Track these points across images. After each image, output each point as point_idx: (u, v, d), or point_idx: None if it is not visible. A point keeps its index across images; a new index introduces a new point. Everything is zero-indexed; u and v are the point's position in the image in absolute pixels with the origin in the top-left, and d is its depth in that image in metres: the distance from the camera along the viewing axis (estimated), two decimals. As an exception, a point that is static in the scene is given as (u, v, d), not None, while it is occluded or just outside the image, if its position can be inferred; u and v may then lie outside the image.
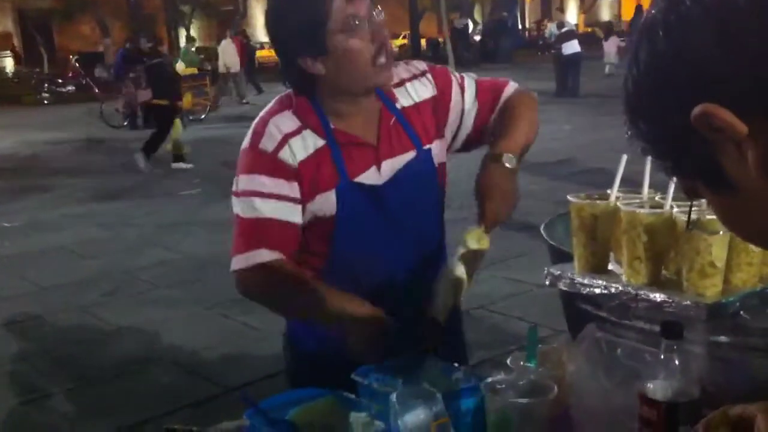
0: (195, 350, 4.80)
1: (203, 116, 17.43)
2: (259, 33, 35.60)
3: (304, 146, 1.85)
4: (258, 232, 1.86)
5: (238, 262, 1.87)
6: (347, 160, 1.87)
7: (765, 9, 0.56)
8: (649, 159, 1.57)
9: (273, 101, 1.95)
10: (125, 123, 16.66)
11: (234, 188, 1.89)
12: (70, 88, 24.76)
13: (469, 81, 2.05)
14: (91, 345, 5.02)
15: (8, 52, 32.44)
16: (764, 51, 0.56)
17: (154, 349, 4.87)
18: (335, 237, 1.91)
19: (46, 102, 23.79)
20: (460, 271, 1.78)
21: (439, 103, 1.99)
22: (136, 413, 4.10)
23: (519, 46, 32.38)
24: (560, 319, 2.56)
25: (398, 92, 1.95)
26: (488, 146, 1.93)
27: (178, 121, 11.53)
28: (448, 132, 2.02)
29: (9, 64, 31.94)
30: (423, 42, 32.69)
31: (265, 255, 1.85)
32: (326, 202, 1.86)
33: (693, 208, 1.44)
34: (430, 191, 2.00)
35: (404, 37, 32.49)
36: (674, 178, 0.70)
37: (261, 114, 1.93)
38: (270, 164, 1.84)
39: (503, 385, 1.53)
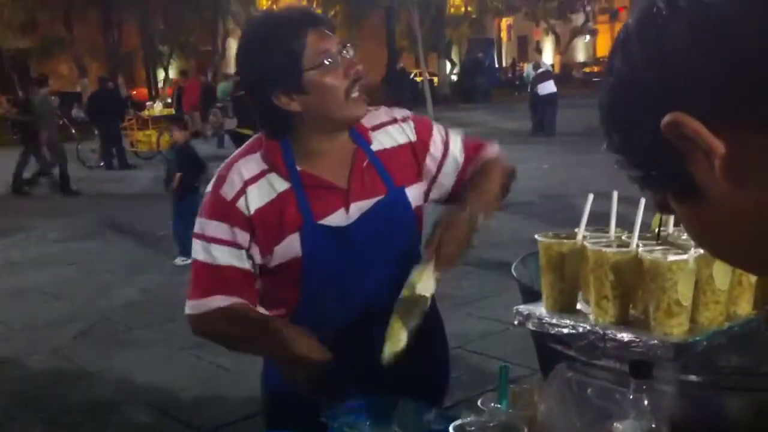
0: (168, 391, 4.73)
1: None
2: (238, 73, 35.77)
3: (264, 192, 1.86)
4: (213, 278, 1.89)
5: (193, 307, 1.92)
6: (313, 202, 1.87)
7: (736, 23, 0.57)
8: (615, 198, 1.59)
9: (242, 146, 1.96)
10: (101, 164, 16.62)
11: (195, 229, 1.91)
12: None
13: (455, 136, 2.07)
14: (63, 387, 4.94)
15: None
16: (735, 62, 0.57)
17: (126, 391, 4.79)
18: (304, 279, 1.91)
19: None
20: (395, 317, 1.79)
21: (418, 150, 1.99)
22: (107, 457, 4.04)
23: (496, 86, 32.76)
24: (536, 358, 2.55)
25: (376, 135, 1.96)
26: (466, 193, 1.94)
27: None
28: (426, 179, 2.02)
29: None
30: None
31: (219, 301, 1.88)
32: (292, 245, 1.86)
33: (659, 248, 1.46)
34: (404, 229, 1.99)
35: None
36: (646, 191, 0.70)
37: (229, 158, 1.95)
38: (228, 212, 1.86)
39: (473, 427, 1.51)
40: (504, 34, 45.72)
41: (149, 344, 5.61)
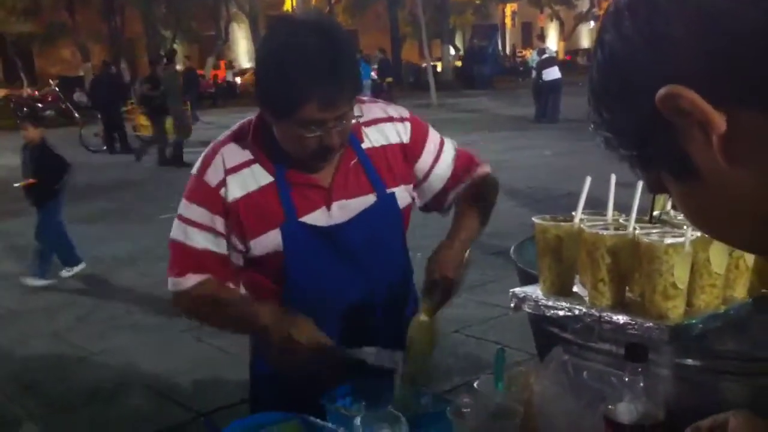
0: (168, 375, 4.75)
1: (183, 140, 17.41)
2: (242, 59, 35.75)
3: (247, 182, 1.85)
4: (188, 258, 1.90)
5: (172, 284, 1.94)
6: (296, 199, 1.86)
7: None
8: (613, 181, 1.58)
9: (233, 126, 1.94)
10: (104, 147, 16.63)
11: (178, 210, 1.92)
12: (50, 112, 24.65)
13: (449, 145, 2.07)
14: (63, 371, 4.96)
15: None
16: (734, 32, 0.55)
17: (126, 374, 4.81)
18: (286, 275, 1.90)
19: (24, 126, 23.64)
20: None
21: (409, 153, 1.98)
22: (108, 439, 4.06)
23: (499, 73, 32.67)
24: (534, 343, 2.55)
25: (367, 131, 1.94)
26: (451, 227, 2.00)
27: None
28: (413, 183, 2.02)
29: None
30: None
31: (195, 279, 1.90)
32: (272, 240, 1.86)
33: (656, 230, 1.46)
34: (394, 233, 1.99)
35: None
36: (638, 171, 0.67)
37: (215, 140, 1.93)
38: (209, 197, 1.85)
39: (469, 409, 1.51)
40: (508, 20, 45.52)
41: (149, 328, 5.62)
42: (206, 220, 1.86)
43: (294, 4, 31.81)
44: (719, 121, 0.57)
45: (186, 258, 1.90)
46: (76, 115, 19.60)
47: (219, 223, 1.86)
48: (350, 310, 1.93)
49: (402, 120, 1.99)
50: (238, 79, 32.08)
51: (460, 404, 1.53)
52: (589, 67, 0.67)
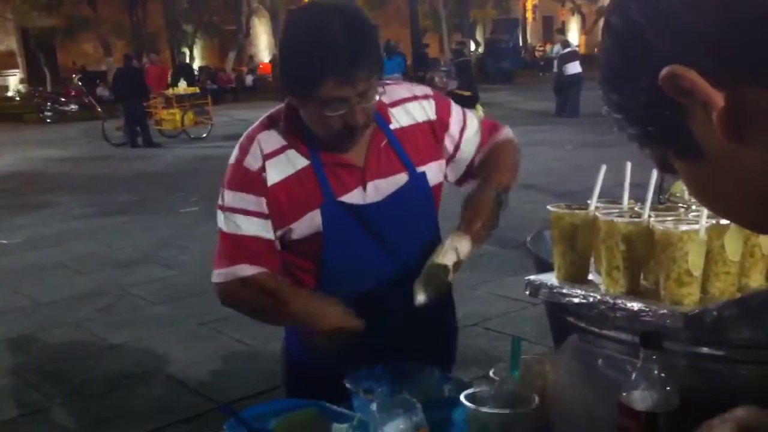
0: (188, 365, 4.79)
1: (205, 135, 17.53)
2: (262, 53, 35.83)
3: (284, 167, 1.89)
4: (240, 248, 1.91)
5: (219, 276, 1.95)
6: (332, 180, 1.90)
7: None
8: (629, 169, 1.59)
9: (264, 116, 1.98)
10: (126, 142, 16.75)
11: (219, 202, 1.94)
12: (73, 106, 24.88)
13: (472, 117, 2.11)
14: (85, 360, 5.02)
15: (13, 70, 32.61)
16: (732, 13, 0.56)
17: (147, 364, 4.86)
18: (324, 255, 1.94)
19: (48, 120, 23.88)
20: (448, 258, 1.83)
21: (437, 129, 2.01)
22: (128, 428, 4.10)
23: (519, 67, 32.53)
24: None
25: (394, 112, 1.97)
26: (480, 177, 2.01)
27: (479, 105, 14.09)
28: (444, 158, 2.05)
29: (12, 82, 32.09)
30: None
31: (245, 269, 1.92)
32: (312, 221, 1.89)
33: (671, 218, 1.46)
34: (425, 212, 2.03)
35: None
36: (647, 150, 0.69)
37: (249, 129, 1.96)
38: (253, 182, 1.88)
39: (484, 396, 1.53)
40: (529, 14, 45.27)
41: (170, 319, 5.67)
42: (253, 205, 1.89)
43: (314, -2, 31.79)
44: (718, 100, 0.58)
45: (235, 247, 1.92)
46: (99, 109, 19.73)
47: (265, 206, 1.89)
48: (382, 288, 1.96)
49: (426, 97, 2.03)
50: (249, 77, 32.05)
51: (475, 391, 1.55)
52: (599, 50, 0.69)
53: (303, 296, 1.93)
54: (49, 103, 25.00)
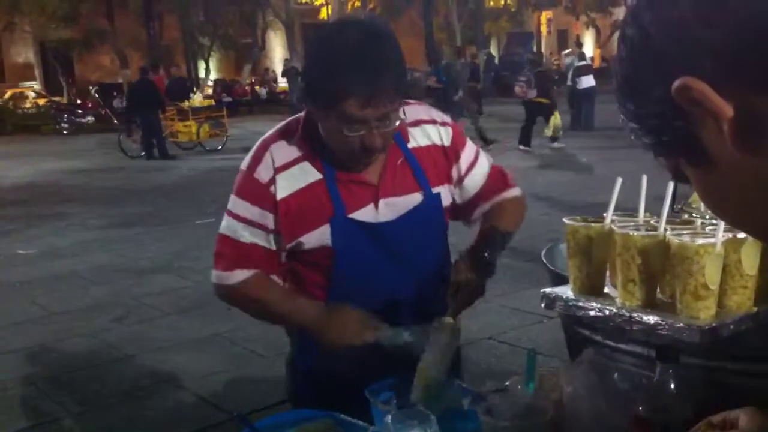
0: (202, 376, 4.79)
1: (220, 147, 17.61)
2: (277, 66, 35.96)
3: (296, 179, 1.89)
4: (237, 253, 1.94)
5: (217, 277, 1.99)
6: (345, 195, 1.89)
7: None
8: (645, 182, 1.58)
9: (280, 124, 1.98)
10: (142, 153, 16.87)
11: (228, 205, 1.96)
12: (89, 118, 25.07)
13: (484, 160, 2.11)
14: (99, 370, 5.03)
15: (31, 83, 32.91)
16: (740, 24, 0.57)
17: (161, 375, 4.86)
18: (334, 270, 1.94)
19: (65, 132, 24.06)
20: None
21: (450, 156, 2.02)
22: (141, 438, 4.11)
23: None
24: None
25: (412, 131, 1.97)
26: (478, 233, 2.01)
27: (557, 113, 15.48)
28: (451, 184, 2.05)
29: (30, 94, 32.37)
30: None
31: (242, 275, 1.95)
32: (322, 235, 1.89)
33: (687, 231, 1.46)
34: (437, 232, 2.03)
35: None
36: (660, 158, 0.70)
37: (264, 137, 1.96)
38: (261, 195, 1.89)
39: (500, 408, 1.52)
40: (543, 28, 45.30)
41: (184, 329, 5.68)
42: (256, 216, 1.90)
43: (330, 11, 31.98)
44: (727, 111, 0.59)
45: (234, 252, 1.94)
46: (115, 121, 19.87)
47: (269, 220, 1.90)
48: (393, 306, 1.96)
49: (444, 124, 2.04)
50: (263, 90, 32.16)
51: (491, 404, 1.55)
52: (614, 60, 0.70)
53: (308, 307, 1.96)
54: (65, 115, 25.19)
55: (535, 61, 16.98)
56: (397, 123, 1.81)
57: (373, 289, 1.95)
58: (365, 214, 1.91)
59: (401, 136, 1.94)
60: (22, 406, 4.53)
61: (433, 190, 1.97)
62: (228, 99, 27.37)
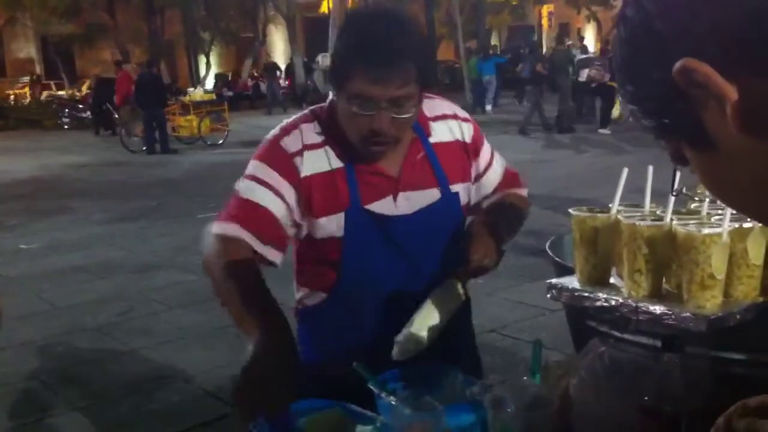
0: (207, 370, 4.81)
1: (221, 141, 17.61)
2: (279, 60, 35.94)
3: (319, 162, 1.86)
4: (247, 212, 1.84)
5: (216, 227, 1.86)
6: (362, 186, 1.87)
7: None
8: (651, 172, 1.59)
9: (307, 109, 1.98)
10: (144, 148, 16.87)
11: (246, 170, 1.89)
12: (90, 113, 25.05)
13: (499, 159, 2.13)
14: (104, 364, 5.05)
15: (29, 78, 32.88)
16: (744, 5, 0.57)
17: (166, 369, 4.88)
18: (343, 259, 1.91)
19: (66, 127, 24.05)
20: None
21: (470, 152, 2.01)
22: (147, 432, 4.12)
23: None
24: (571, 343, 2.55)
25: (435, 126, 1.96)
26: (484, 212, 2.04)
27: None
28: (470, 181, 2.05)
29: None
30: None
31: (233, 230, 1.82)
32: (336, 223, 1.87)
33: (693, 221, 1.47)
34: (453, 231, 1.99)
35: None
36: (660, 141, 0.70)
37: (293, 118, 1.95)
38: (284, 163, 1.85)
39: (505, 400, 1.53)
40: (545, 21, 45.15)
41: (189, 323, 5.69)
42: (276, 183, 1.84)
43: (331, 5, 31.92)
44: (731, 93, 0.58)
45: (240, 208, 1.85)
46: (116, 115, 19.87)
47: (291, 195, 1.85)
48: (399, 302, 1.92)
49: (466, 120, 2.03)
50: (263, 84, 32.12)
51: (497, 395, 1.55)
52: (613, 42, 0.70)
53: (255, 324, 1.76)
54: (67, 110, 25.19)
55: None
56: (413, 112, 1.78)
57: (379, 284, 1.93)
58: (383, 205, 1.88)
59: (423, 131, 1.93)
60: (28, 400, 4.55)
61: (451, 188, 1.95)
62: (229, 93, 27.35)
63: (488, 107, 22.38)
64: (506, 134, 16.15)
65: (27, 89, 30.66)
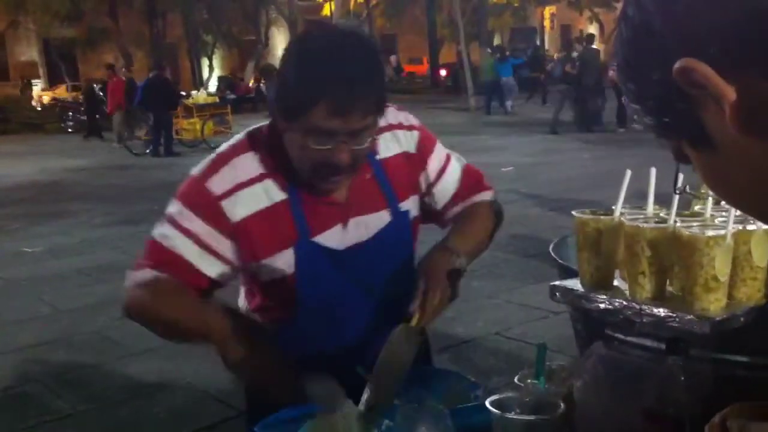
0: (208, 373, 4.77)
1: (223, 144, 17.63)
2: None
3: (258, 198, 1.71)
4: (163, 259, 1.71)
5: (129, 280, 1.74)
6: (310, 217, 1.74)
7: None
8: (653, 175, 1.58)
9: (245, 133, 1.80)
10: (147, 151, 16.89)
11: (169, 209, 1.76)
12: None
13: (456, 163, 1.97)
14: (105, 367, 5.05)
15: (34, 80, 32.97)
16: (743, 5, 0.56)
17: (167, 372, 4.87)
18: (298, 297, 1.79)
19: (69, 130, 24.08)
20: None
21: (416, 164, 1.89)
22: (149, 435, 4.12)
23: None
24: (575, 345, 2.54)
25: (382, 139, 1.82)
26: (443, 237, 1.87)
27: None
28: (418, 193, 1.92)
29: (34, 92, 32.41)
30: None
31: (150, 274, 1.70)
32: (285, 260, 1.74)
33: (697, 223, 1.45)
34: (405, 251, 1.90)
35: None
36: (661, 139, 0.70)
37: (227, 147, 1.78)
38: (209, 208, 1.70)
39: (509, 403, 1.52)
40: (547, 23, 45.26)
41: (191, 327, 5.68)
42: (198, 231, 1.69)
43: (332, 8, 31.97)
44: (730, 94, 0.58)
45: (156, 255, 1.71)
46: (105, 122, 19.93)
47: (226, 247, 1.71)
48: (360, 331, 1.84)
49: (410, 128, 1.89)
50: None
51: (500, 398, 1.54)
52: (614, 42, 0.70)
53: (198, 308, 1.73)
54: (70, 113, 25.21)
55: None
56: (370, 141, 1.65)
57: (338, 317, 1.83)
58: (332, 236, 1.76)
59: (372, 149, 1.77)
60: (30, 404, 4.55)
61: (401, 206, 1.84)
62: (232, 96, 27.37)
63: (508, 104, 22.66)
64: (509, 135, 16.15)
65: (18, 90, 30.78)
